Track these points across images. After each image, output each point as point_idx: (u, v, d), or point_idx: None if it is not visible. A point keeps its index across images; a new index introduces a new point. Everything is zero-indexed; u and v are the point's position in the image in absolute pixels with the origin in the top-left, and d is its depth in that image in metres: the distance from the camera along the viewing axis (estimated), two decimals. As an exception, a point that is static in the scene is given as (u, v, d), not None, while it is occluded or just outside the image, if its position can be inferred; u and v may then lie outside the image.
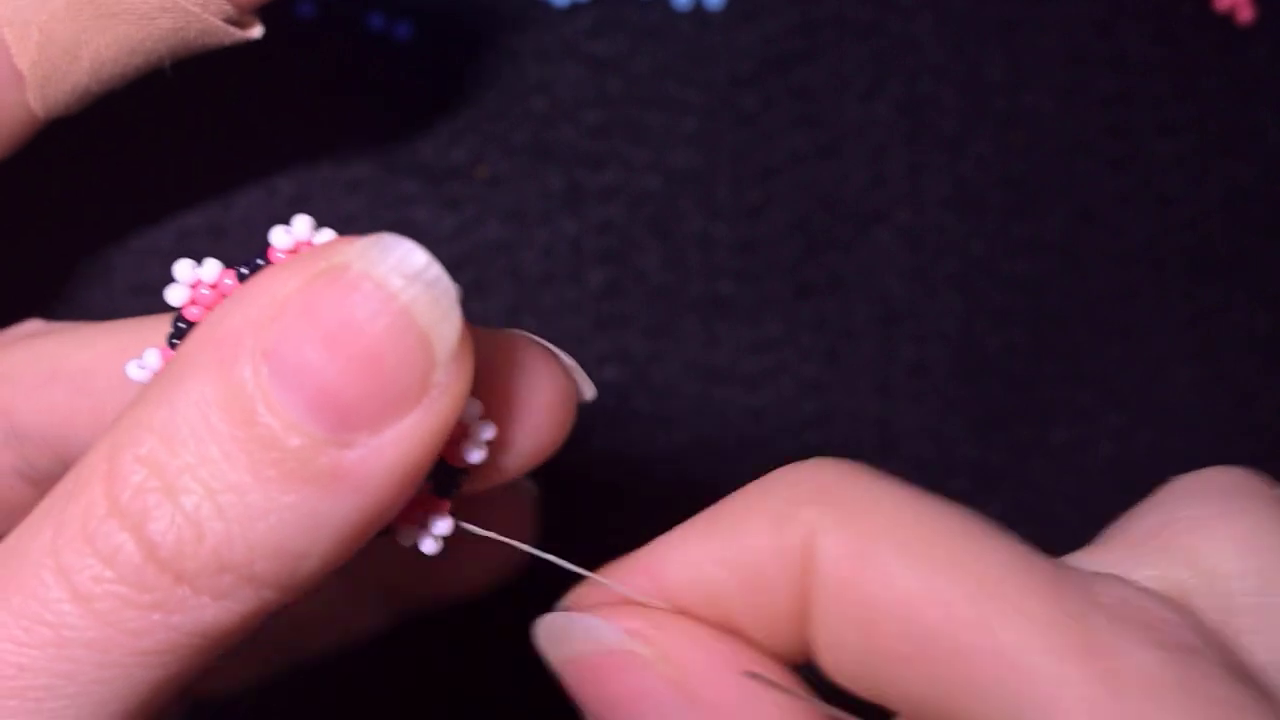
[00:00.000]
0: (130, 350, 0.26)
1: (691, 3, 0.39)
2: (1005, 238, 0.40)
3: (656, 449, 0.39)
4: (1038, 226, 0.40)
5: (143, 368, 0.25)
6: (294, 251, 0.24)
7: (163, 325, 0.26)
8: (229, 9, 0.29)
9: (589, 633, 0.25)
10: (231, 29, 0.29)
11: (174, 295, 0.25)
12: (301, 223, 0.24)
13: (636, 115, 0.39)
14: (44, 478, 0.28)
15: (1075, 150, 0.40)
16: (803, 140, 0.39)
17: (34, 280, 0.37)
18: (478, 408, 0.23)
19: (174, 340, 0.25)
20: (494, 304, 0.38)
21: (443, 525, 0.24)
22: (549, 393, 0.24)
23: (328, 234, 0.24)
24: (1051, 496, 0.40)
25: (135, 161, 0.37)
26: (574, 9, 0.39)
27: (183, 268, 0.25)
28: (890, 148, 0.39)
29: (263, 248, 0.25)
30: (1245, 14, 0.41)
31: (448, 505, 0.24)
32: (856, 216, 0.39)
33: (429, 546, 0.24)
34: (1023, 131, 0.40)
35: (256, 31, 0.30)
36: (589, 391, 0.25)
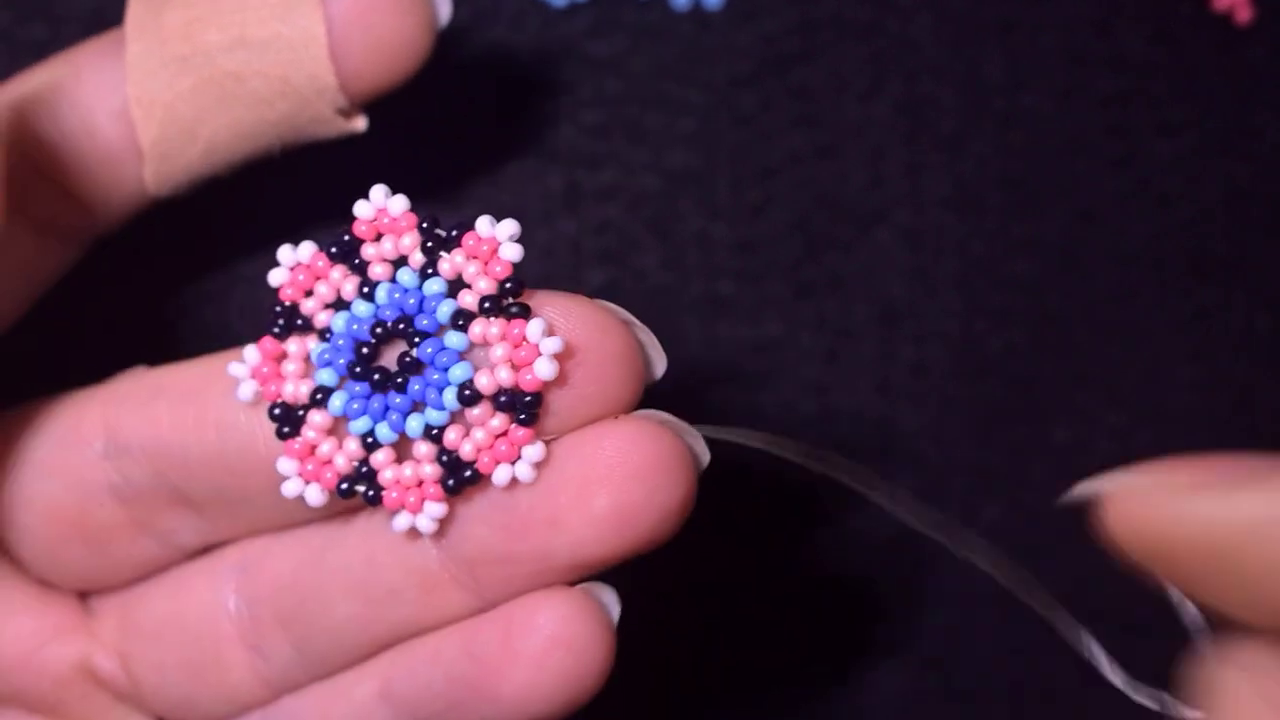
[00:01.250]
0: (229, 360, 0.27)
1: (690, 3, 0.39)
2: (1005, 238, 0.40)
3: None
4: (1037, 226, 0.40)
5: (243, 364, 0.27)
6: (375, 220, 0.26)
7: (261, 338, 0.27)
8: (341, 100, 0.30)
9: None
10: (340, 120, 0.30)
11: (274, 277, 0.27)
12: (378, 192, 0.26)
13: (635, 115, 0.39)
14: (138, 495, 0.28)
15: (1074, 150, 0.40)
16: (802, 140, 0.39)
17: (139, 337, 0.37)
18: (542, 326, 0.25)
19: (274, 327, 0.27)
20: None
21: (534, 452, 0.26)
22: (617, 346, 0.26)
23: (401, 199, 0.26)
24: (1051, 496, 0.40)
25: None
26: (573, 9, 0.39)
27: (283, 251, 0.27)
28: (889, 148, 0.39)
29: (349, 221, 0.26)
30: (1244, 14, 0.41)
31: (532, 434, 0.26)
32: (856, 216, 0.39)
33: (525, 474, 0.26)
34: (1022, 131, 0.40)
35: (361, 124, 0.31)
36: (660, 364, 0.27)
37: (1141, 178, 0.40)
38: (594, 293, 0.38)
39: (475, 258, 0.26)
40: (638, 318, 0.39)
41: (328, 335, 0.26)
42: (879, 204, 0.39)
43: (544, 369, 0.25)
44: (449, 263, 0.26)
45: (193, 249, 0.37)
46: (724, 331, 0.39)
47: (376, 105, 0.38)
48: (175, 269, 0.37)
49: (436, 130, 0.38)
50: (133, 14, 0.30)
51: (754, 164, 0.39)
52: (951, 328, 0.39)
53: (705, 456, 0.27)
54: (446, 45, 0.39)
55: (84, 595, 0.31)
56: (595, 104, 0.39)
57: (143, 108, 0.29)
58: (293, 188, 0.38)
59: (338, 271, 0.27)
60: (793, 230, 0.39)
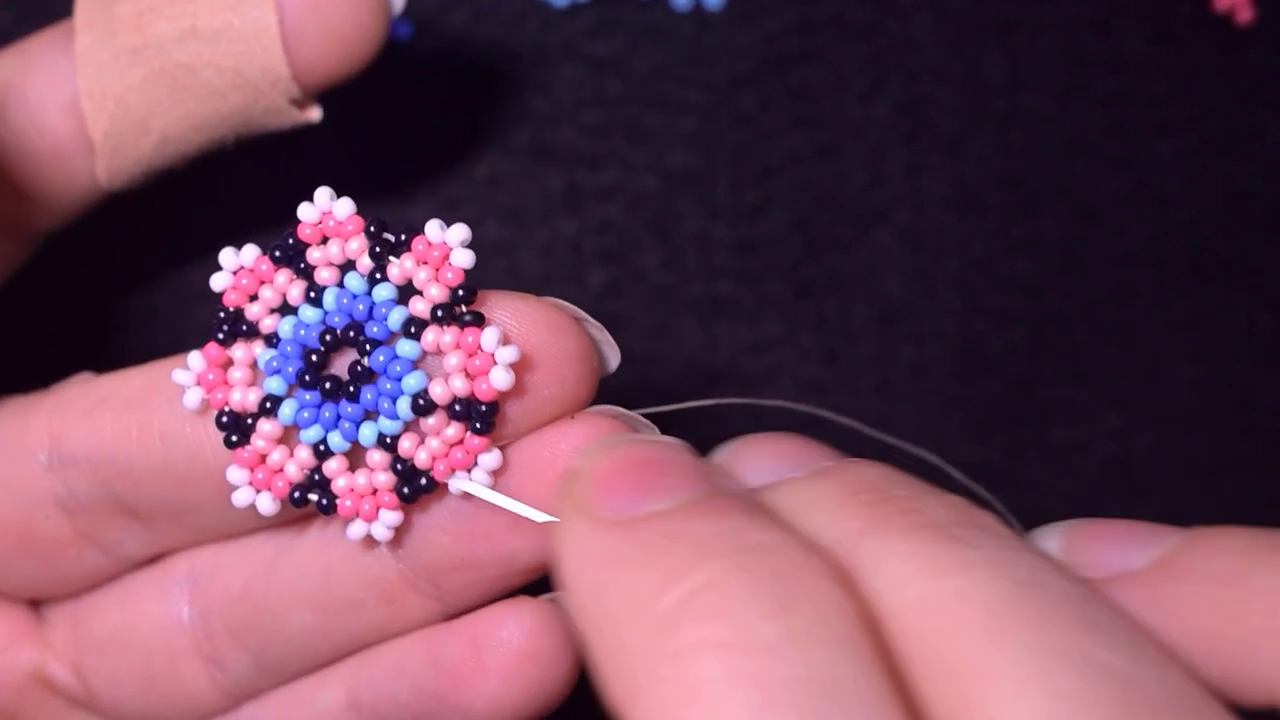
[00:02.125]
0: (174, 367, 0.27)
1: (691, 3, 0.39)
2: (1005, 238, 0.40)
3: (656, 449, 0.38)
4: (1037, 226, 0.40)
5: (188, 370, 0.26)
6: (319, 223, 0.26)
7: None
8: (295, 91, 0.29)
9: None
10: (294, 110, 0.30)
11: (217, 281, 0.26)
12: (322, 194, 0.26)
13: (635, 115, 0.39)
14: (83, 507, 0.28)
15: (1074, 150, 0.40)
16: (802, 140, 0.39)
17: (85, 340, 0.37)
18: (497, 334, 0.25)
19: (218, 333, 0.26)
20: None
21: (491, 459, 0.26)
22: (571, 346, 0.26)
23: (346, 202, 0.26)
24: (1051, 496, 0.40)
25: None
26: (574, 9, 0.39)
27: (226, 255, 0.26)
28: (889, 148, 0.39)
29: (293, 225, 0.26)
30: (1244, 14, 0.41)
31: (488, 441, 0.25)
32: (856, 216, 0.39)
33: (482, 480, 0.26)
34: (1022, 131, 0.40)
35: (315, 114, 0.30)
36: (614, 358, 0.27)
37: (1141, 178, 0.40)
38: (594, 293, 0.39)
39: (425, 263, 0.25)
40: (638, 318, 0.39)
41: (274, 341, 0.26)
42: (879, 204, 0.39)
43: (500, 379, 0.25)
44: (398, 268, 0.26)
45: (139, 248, 0.37)
46: (724, 331, 0.39)
47: (376, 105, 0.38)
48: (120, 269, 0.37)
49: (436, 130, 0.38)
50: (82, 5, 0.29)
51: (754, 164, 0.39)
52: (951, 328, 0.39)
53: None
54: (446, 45, 0.39)
55: (36, 603, 0.30)
56: (595, 104, 0.39)
57: (93, 101, 0.29)
58: (277, 188, 0.38)
59: (283, 275, 0.26)
60: (793, 230, 0.39)
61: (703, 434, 0.39)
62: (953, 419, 0.39)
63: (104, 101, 0.29)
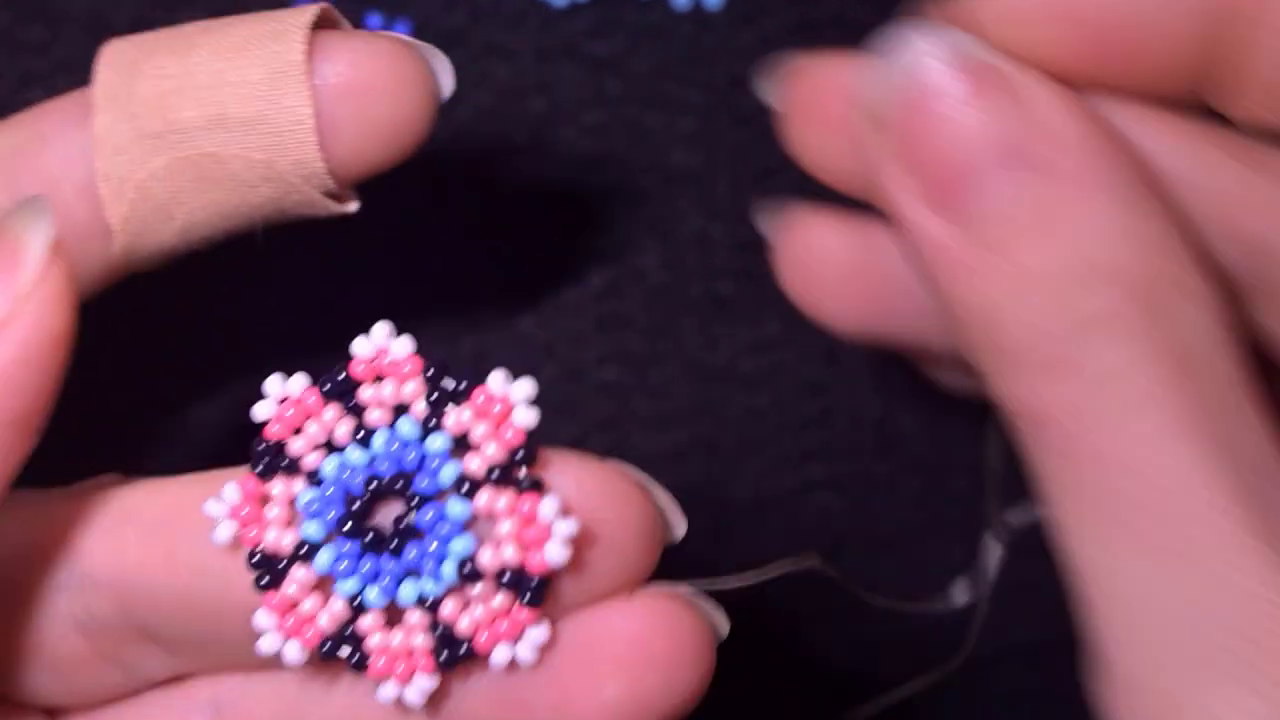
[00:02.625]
0: (208, 493, 0.25)
1: (691, 3, 0.39)
2: (1005, 238, 0.40)
3: (656, 449, 0.39)
4: (1037, 226, 0.40)
5: (221, 502, 0.25)
6: (374, 360, 0.24)
7: (240, 473, 0.25)
8: (330, 184, 0.27)
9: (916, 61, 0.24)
10: (330, 202, 0.28)
11: (261, 410, 0.25)
12: (380, 330, 0.24)
13: (635, 115, 0.39)
14: (101, 629, 0.26)
15: (1075, 150, 0.40)
16: (802, 140, 0.39)
17: (115, 438, 0.36)
18: (556, 504, 0.23)
19: (257, 466, 0.25)
20: (494, 306, 0.38)
21: (538, 633, 0.24)
22: (636, 518, 0.24)
23: (406, 341, 0.24)
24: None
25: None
26: (573, 9, 0.39)
27: (273, 383, 0.25)
28: (890, 148, 0.39)
29: (344, 359, 0.25)
30: (1244, 14, 0.41)
31: (537, 614, 0.24)
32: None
33: (527, 656, 0.24)
34: (1022, 131, 0.40)
35: (352, 207, 0.28)
36: (680, 528, 0.25)
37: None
38: (594, 293, 0.39)
39: (485, 417, 0.24)
40: (638, 318, 0.39)
41: (316, 481, 0.25)
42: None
43: (556, 554, 0.23)
44: (455, 418, 0.24)
45: (167, 330, 0.36)
46: (724, 331, 0.39)
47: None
48: (152, 349, 0.36)
49: (433, 130, 0.38)
50: (102, 80, 0.27)
51: (754, 164, 0.39)
52: (951, 328, 0.39)
53: (724, 628, 0.25)
54: (446, 45, 0.39)
55: (51, 712, 0.29)
56: (595, 104, 0.39)
57: (111, 185, 0.27)
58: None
59: (331, 411, 0.25)
60: (793, 230, 0.39)
61: (703, 432, 0.39)
62: (953, 419, 0.39)
63: (123, 187, 0.27)
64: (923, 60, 0.24)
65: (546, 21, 0.39)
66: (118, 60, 0.27)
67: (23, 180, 0.27)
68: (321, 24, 0.27)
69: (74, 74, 0.37)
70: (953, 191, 0.23)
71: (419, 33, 0.38)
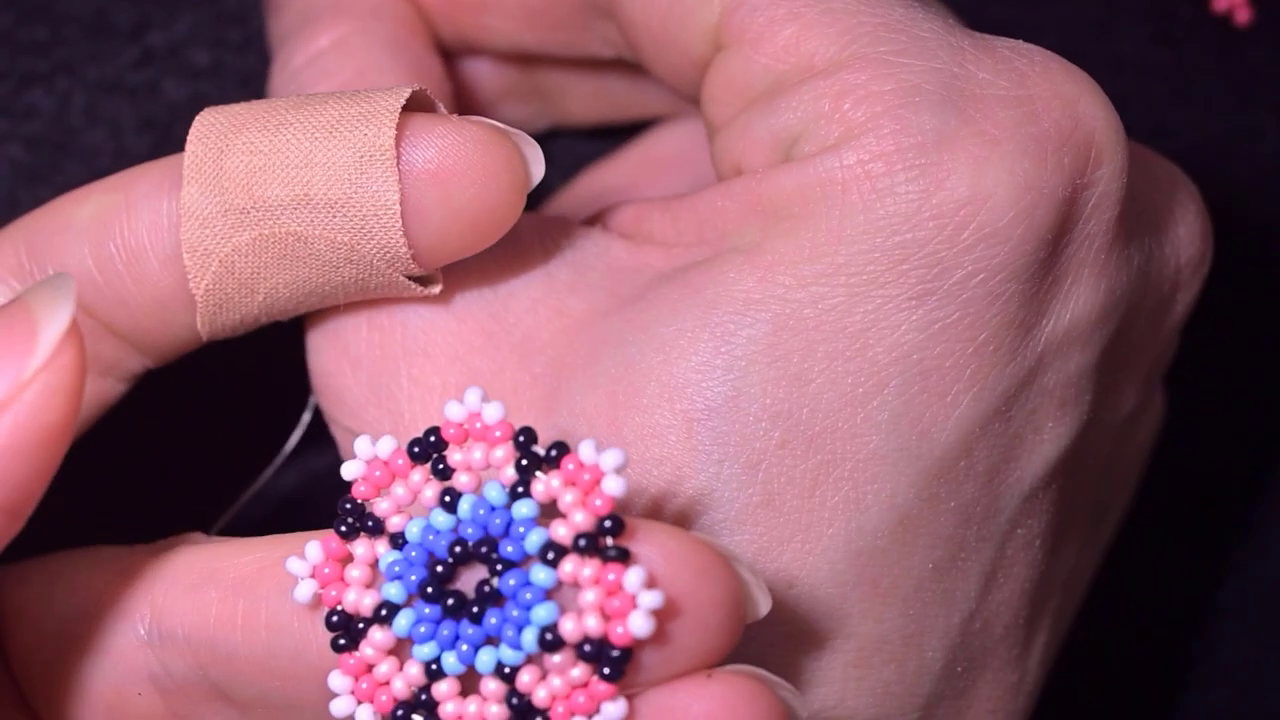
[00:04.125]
0: (290, 554, 0.25)
1: (690, 5, 0.39)
2: (1003, 239, 0.40)
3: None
4: (1036, 228, 0.40)
5: (303, 560, 0.24)
6: (465, 424, 0.24)
7: (324, 533, 0.25)
8: (414, 268, 0.27)
9: None
10: (414, 285, 0.28)
11: (349, 470, 0.25)
12: (472, 395, 0.24)
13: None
14: (179, 688, 0.26)
15: (1074, 152, 0.40)
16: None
17: (199, 497, 0.35)
18: (642, 575, 0.23)
19: (340, 525, 0.24)
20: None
21: (616, 709, 0.23)
22: (721, 593, 0.24)
23: (497, 407, 0.24)
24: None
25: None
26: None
27: (362, 443, 0.25)
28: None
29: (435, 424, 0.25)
30: (1243, 15, 0.41)
31: (615, 689, 0.23)
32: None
33: None
34: (1021, 133, 0.40)
35: (437, 289, 0.28)
36: (764, 605, 0.25)
37: (1141, 179, 0.40)
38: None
39: (573, 485, 0.24)
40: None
41: (400, 543, 0.24)
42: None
43: (639, 625, 0.23)
44: (544, 485, 0.24)
45: (260, 379, 0.36)
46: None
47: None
48: (238, 406, 0.36)
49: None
50: (192, 152, 0.27)
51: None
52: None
53: (804, 713, 0.25)
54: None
55: None
56: (595, 105, 0.39)
57: (196, 258, 0.27)
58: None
59: (418, 473, 0.25)
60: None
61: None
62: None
63: (208, 260, 0.27)
64: None
65: (546, 23, 0.39)
66: (207, 133, 0.27)
67: (109, 246, 0.27)
68: (414, 106, 0.27)
69: (74, 74, 0.37)
70: None
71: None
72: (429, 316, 0.29)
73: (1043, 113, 0.27)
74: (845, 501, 0.27)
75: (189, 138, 0.27)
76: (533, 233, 0.30)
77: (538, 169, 0.27)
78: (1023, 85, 0.27)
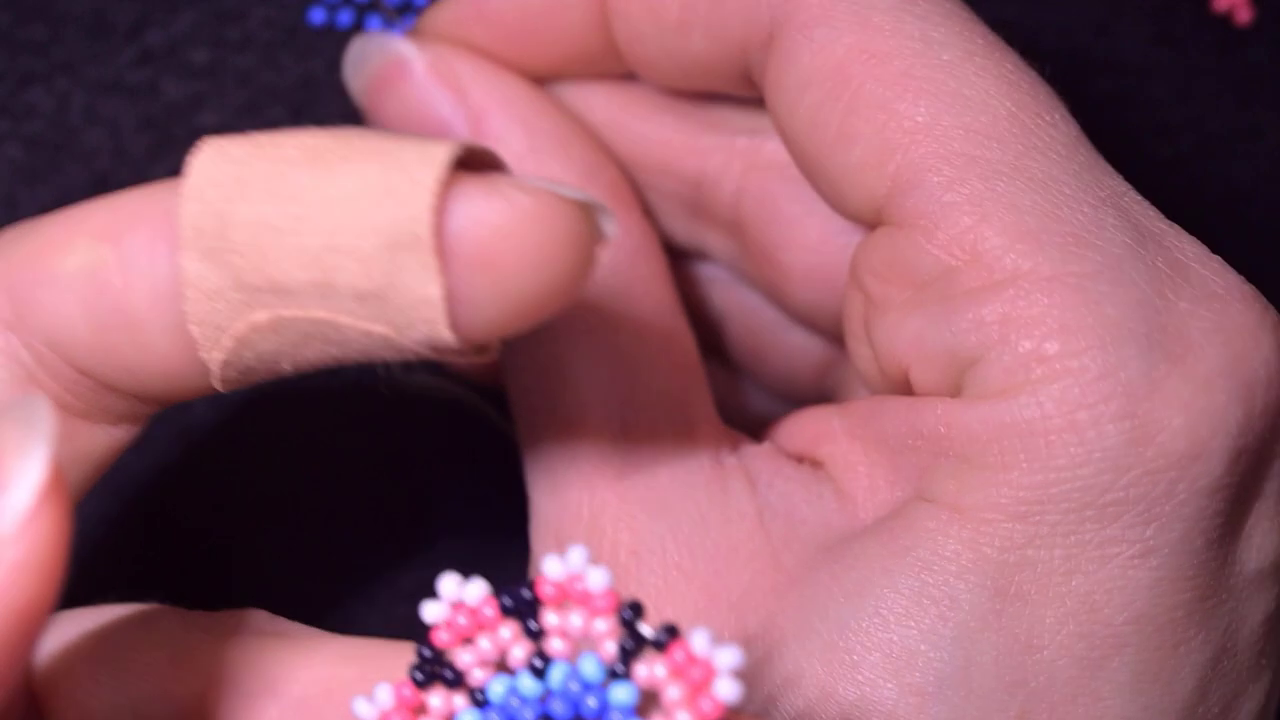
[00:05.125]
0: (360, 677, 0.23)
1: (690, 4, 0.39)
2: (1003, 239, 0.40)
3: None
4: (1036, 228, 0.40)
5: (372, 705, 0.22)
6: (564, 584, 0.22)
7: (405, 653, 0.23)
8: (465, 350, 0.23)
9: (383, 49, 0.31)
10: (468, 357, 0.24)
11: (430, 612, 0.22)
12: (576, 554, 0.22)
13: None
14: None
15: (1074, 152, 0.40)
16: (801, 141, 0.39)
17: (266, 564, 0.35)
18: (708, 636, 0.21)
19: (416, 672, 0.22)
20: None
21: None
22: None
23: (603, 573, 0.22)
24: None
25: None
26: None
27: (448, 583, 0.22)
28: (889, 149, 0.39)
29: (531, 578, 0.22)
30: (1243, 15, 0.41)
31: None
32: (855, 218, 0.39)
33: None
34: (1021, 133, 0.40)
35: (493, 356, 0.24)
36: (611, 229, 0.23)
37: (1141, 180, 0.40)
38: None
39: (681, 679, 0.21)
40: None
41: (480, 700, 0.22)
42: (878, 205, 0.39)
43: (729, 690, 0.21)
44: (647, 670, 0.21)
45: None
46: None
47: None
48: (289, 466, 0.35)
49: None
50: (190, 213, 0.22)
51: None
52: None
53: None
54: (446, 46, 0.39)
55: None
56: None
57: (206, 332, 0.23)
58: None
59: (508, 629, 0.22)
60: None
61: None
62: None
63: (219, 335, 0.23)
64: (393, 47, 0.32)
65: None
66: (205, 192, 0.23)
67: (102, 310, 0.23)
68: (468, 161, 0.23)
69: (74, 74, 0.37)
70: None
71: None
72: (660, 573, 0.27)
73: (1250, 351, 0.25)
74: None
75: (183, 193, 0.23)
76: (740, 479, 0.28)
77: (610, 226, 0.23)
78: (1225, 315, 0.26)
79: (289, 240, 0.22)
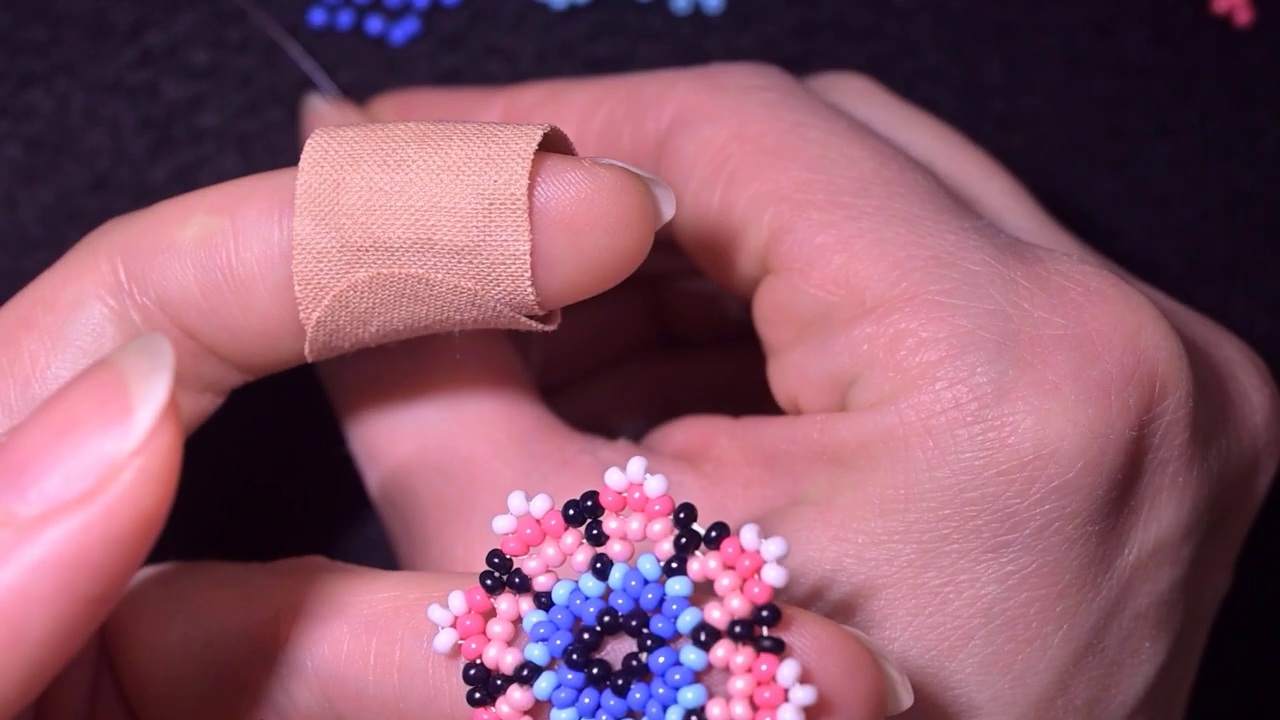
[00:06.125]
0: (425, 597, 0.24)
1: (690, 6, 0.39)
2: (1004, 240, 0.40)
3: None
4: (1036, 228, 0.40)
5: (445, 610, 0.24)
6: (625, 493, 0.24)
7: (465, 581, 0.24)
8: (536, 308, 0.26)
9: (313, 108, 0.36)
10: (533, 323, 0.27)
11: (500, 524, 0.24)
12: (636, 465, 0.24)
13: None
14: (301, 717, 0.25)
15: (1074, 153, 0.40)
16: (801, 142, 0.39)
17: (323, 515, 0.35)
18: (796, 669, 0.22)
19: (486, 579, 0.24)
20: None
21: None
22: (869, 691, 0.24)
23: (659, 480, 0.24)
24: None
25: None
26: (573, 11, 0.39)
27: (516, 498, 0.24)
28: (889, 150, 0.39)
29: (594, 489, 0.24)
30: (1243, 16, 0.41)
31: None
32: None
33: None
34: (1021, 134, 0.40)
35: (555, 325, 0.27)
36: (906, 699, 0.24)
37: (1141, 180, 0.40)
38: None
39: (732, 568, 0.23)
40: (637, 319, 0.39)
41: (545, 603, 0.24)
42: (878, 206, 0.39)
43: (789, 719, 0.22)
44: (700, 564, 0.23)
45: None
46: (723, 333, 0.39)
47: (372, 97, 0.38)
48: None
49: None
50: (306, 183, 0.26)
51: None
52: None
53: None
54: (446, 46, 0.39)
55: None
56: (594, 106, 0.39)
57: (309, 291, 0.26)
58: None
59: (571, 536, 0.24)
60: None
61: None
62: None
63: (321, 294, 0.26)
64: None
65: (546, 23, 0.39)
66: (321, 163, 0.26)
67: (215, 274, 0.26)
68: (544, 145, 0.26)
69: (74, 75, 0.37)
70: None
71: (422, 34, 0.38)
72: None
73: (1103, 351, 0.26)
74: None
75: (301, 165, 0.26)
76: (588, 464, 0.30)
77: (668, 208, 0.27)
78: (1080, 321, 0.27)
79: (397, 201, 0.25)
